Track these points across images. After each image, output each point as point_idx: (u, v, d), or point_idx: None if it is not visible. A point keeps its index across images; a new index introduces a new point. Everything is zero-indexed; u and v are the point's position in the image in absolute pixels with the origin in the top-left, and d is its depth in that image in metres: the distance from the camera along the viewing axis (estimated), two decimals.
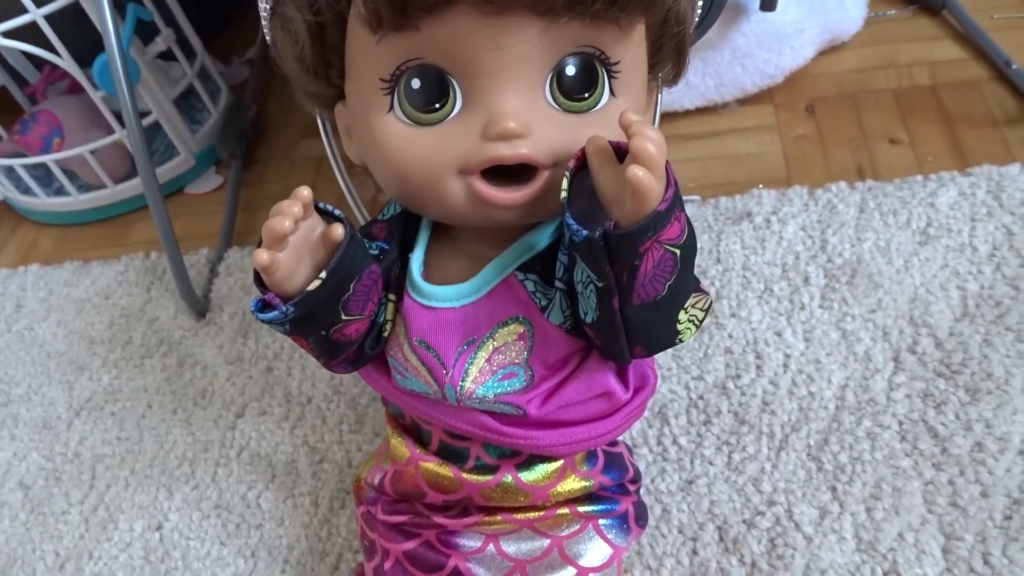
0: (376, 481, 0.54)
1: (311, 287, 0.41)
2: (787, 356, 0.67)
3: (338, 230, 0.41)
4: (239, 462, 0.71)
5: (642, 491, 0.59)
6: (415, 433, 0.52)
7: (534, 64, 0.39)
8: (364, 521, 0.55)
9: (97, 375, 0.82)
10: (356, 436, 0.70)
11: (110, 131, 0.95)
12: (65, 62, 0.86)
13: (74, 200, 1.00)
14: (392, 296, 0.47)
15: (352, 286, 0.43)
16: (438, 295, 0.45)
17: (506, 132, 0.38)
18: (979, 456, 0.58)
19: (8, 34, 0.84)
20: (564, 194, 0.39)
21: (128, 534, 0.68)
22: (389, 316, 0.47)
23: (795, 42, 0.89)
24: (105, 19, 0.71)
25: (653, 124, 0.56)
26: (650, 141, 0.35)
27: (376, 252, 0.47)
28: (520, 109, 0.39)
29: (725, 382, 0.66)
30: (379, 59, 0.40)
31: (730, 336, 0.69)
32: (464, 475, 0.49)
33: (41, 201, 1.01)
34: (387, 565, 0.51)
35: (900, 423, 0.61)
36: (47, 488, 0.74)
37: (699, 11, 0.48)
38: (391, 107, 0.41)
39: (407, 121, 0.41)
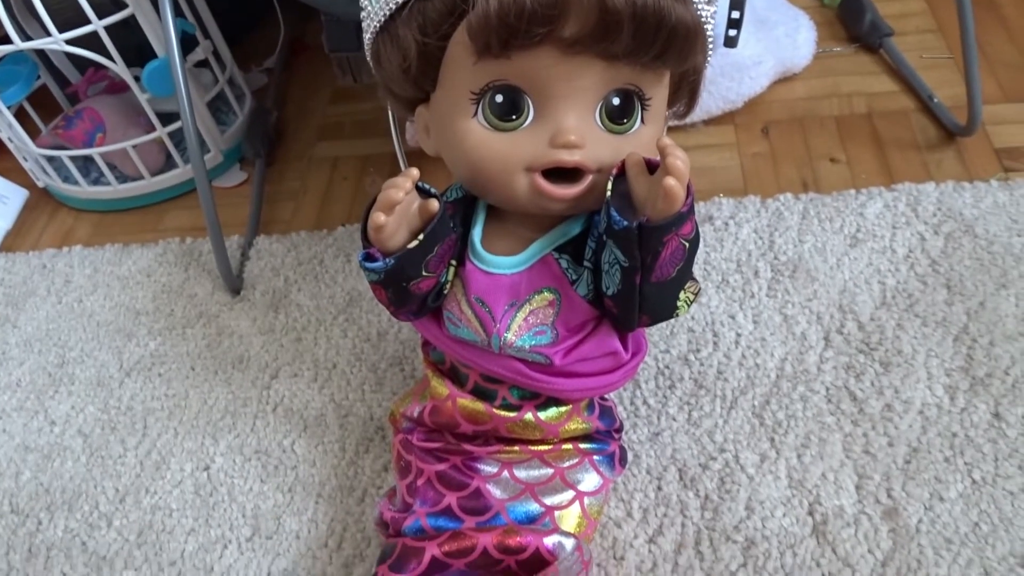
0: (415, 414, 0.66)
1: (411, 245, 0.52)
2: (738, 335, 0.81)
3: (435, 204, 0.53)
4: (275, 415, 0.83)
5: (622, 439, 0.72)
6: (453, 375, 0.64)
7: (591, 94, 0.50)
8: (401, 446, 0.67)
9: (144, 342, 0.93)
10: (377, 395, 0.82)
11: (149, 128, 1.06)
12: (119, 67, 0.98)
13: (113, 189, 1.11)
14: (454, 262, 0.58)
15: (436, 248, 0.54)
16: (495, 263, 0.57)
17: (568, 143, 0.50)
18: (888, 415, 0.72)
19: (69, 42, 0.95)
20: (608, 193, 0.50)
21: (179, 473, 0.80)
22: (450, 278, 0.59)
23: (753, 73, 1.03)
24: (169, 33, 0.83)
25: None
26: (681, 160, 0.46)
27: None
28: (578, 126, 0.50)
29: (687, 355, 0.80)
30: (472, 76, 0.50)
31: (692, 318, 0.83)
32: (494, 410, 0.62)
33: (82, 189, 1.12)
34: (419, 482, 0.64)
35: (827, 389, 0.75)
36: (104, 436, 0.85)
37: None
38: (475, 114, 0.51)
39: (487, 126, 0.51)
